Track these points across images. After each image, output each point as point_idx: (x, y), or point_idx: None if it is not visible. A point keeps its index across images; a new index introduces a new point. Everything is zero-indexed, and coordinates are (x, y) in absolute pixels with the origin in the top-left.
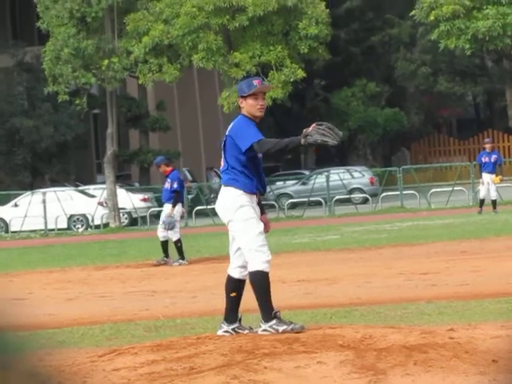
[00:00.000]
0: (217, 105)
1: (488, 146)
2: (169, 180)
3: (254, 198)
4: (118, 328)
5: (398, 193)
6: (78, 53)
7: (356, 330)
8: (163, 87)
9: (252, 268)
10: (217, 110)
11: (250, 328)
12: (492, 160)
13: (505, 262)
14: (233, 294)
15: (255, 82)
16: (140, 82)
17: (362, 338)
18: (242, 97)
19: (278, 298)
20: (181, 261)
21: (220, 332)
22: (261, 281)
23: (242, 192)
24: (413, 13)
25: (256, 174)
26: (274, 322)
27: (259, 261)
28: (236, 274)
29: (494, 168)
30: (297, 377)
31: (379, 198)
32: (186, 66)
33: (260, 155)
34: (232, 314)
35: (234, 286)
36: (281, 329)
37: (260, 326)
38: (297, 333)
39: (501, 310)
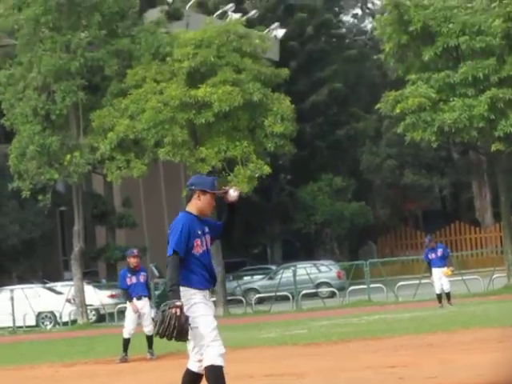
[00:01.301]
0: (182, 198)
1: (431, 244)
2: (143, 273)
3: (207, 293)
4: None
5: (365, 286)
6: (43, 149)
7: None
8: (129, 183)
9: (206, 363)
10: (182, 204)
11: None
12: (439, 254)
13: (473, 354)
14: None
15: (216, 183)
16: (108, 179)
17: None
18: (202, 192)
19: None
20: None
21: None
22: (216, 375)
23: (195, 290)
24: (378, 106)
25: (206, 269)
26: None
27: (212, 355)
28: (195, 367)
29: (443, 262)
30: None
31: (346, 291)
32: (151, 161)
33: (203, 249)
34: None
35: (191, 380)
36: None
37: None
38: None
39: None
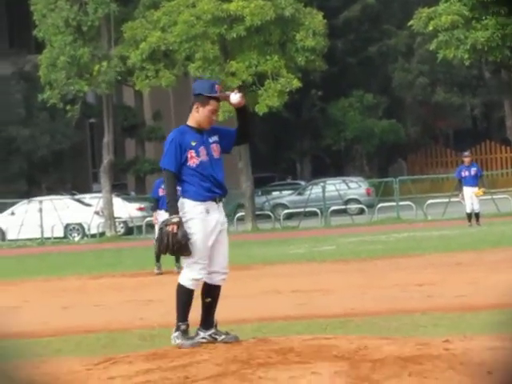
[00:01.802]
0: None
1: (467, 160)
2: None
3: (213, 205)
4: (114, 337)
5: (395, 204)
6: (73, 60)
7: (351, 340)
8: (160, 96)
9: (179, 280)
10: None
11: (227, 333)
12: (472, 173)
13: (501, 273)
14: (207, 300)
15: (217, 87)
16: (137, 88)
17: (357, 348)
18: (201, 103)
19: (272, 308)
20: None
21: (197, 338)
22: (182, 295)
23: (196, 203)
24: (411, 23)
25: (207, 178)
26: (176, 334)
27: (187, 277)
28: (210, 280)
29: (475, 181)
30: None
31: (375, 208)
32: (182, 75)
33: (201, 160)
34: (208, 319)
35: (209, 292)
36: (177, 341)
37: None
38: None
39: (496, 322)
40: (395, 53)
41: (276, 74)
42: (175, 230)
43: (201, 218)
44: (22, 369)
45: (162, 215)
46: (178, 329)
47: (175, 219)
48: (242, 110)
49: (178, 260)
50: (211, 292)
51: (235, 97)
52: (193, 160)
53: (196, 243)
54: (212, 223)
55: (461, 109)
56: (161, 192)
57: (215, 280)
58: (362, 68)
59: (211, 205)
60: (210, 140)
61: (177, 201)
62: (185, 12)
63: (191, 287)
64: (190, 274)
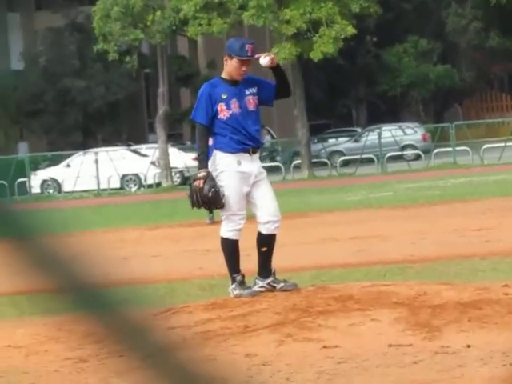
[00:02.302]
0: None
1: None
2: None
3: (246, 157)
4: (173, 287)
5: (451, 149)
6: (127, 10)
7: (410, 287)
8: (214, 45)
9: (221, 234)
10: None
11: (285, 281)
12: None
13: None
14: (263, 249)
15: (248, 47)
16: (189, 34)
17: (416, 295)
18: (229, 55)
19: (330, 255)
20: None
21: (256, 288)
22: (227, 247)
23: (226, 154)
24: None
25: (238, 131)
26: (233, 286)
27: (227, 228)
28: (264, 229)
29: None
30: (351, 334)
31: (432, 154)
32: (236, 23)
33: (231, 112)
34: (265, 268)
35: (264, 241)
36: (235, 292)
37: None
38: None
39: None
40: None
41: (330, 20)
42: (201, 185)
43: (232, 170)
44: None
45: None
46: (233, 280)
47: (202, 173)
48: (275, 70)
49: (210, 211)
50: (266, 241)
51: (264, 60)
52: (223, 113)
53: (230, 195)
54: (245, 174)
55: None
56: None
57: (269, 229)
58: (417, 13)
59: (243, 156)
60: (247, 92)
61: (207, 154)
62: None
63: (234, 237)
64: (230, 226)
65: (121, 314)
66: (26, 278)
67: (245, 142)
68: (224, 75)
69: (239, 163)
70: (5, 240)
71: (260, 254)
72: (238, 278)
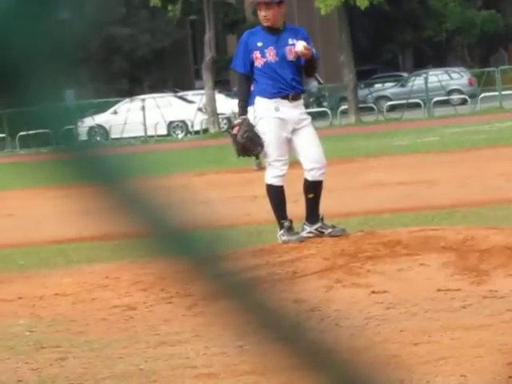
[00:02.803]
0: (313, 8)
1: None
2: None
3: (285, 103)
4: (220, 233)
5: (497, 93)
6: None
7: (458, 231)
8: None
9: (265, 180)
10: (314, 13)
11: (333, 226)
12: None
13: None
14: (310, 196)
15: None
16: None
17: (464, 239)
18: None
19: (378, 201)
20: None
21: (304, 233)
22: (272, 194)
23: (264, 99)
24: None
25: (274, 78)
26: (281, 231)
27: (270, 175)
28: (309, 176)
29: None
30: (400, 279)
31: (478, 98)
32: None
33: (266, 60)
34: (312, 214)
35: (310, 188)
36: (283, 238)
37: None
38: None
39: None
40: None
41: None
42: (235, 132)
43: (270, 116)
44: (127, 270)
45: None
46: (281, 226)
47: (237, 121)
48: (306, 61)
49: (257, 157)
50: (313, 188)
51: (299, 45)
52: (258, 61)
53: (270, 141)
54: (283, 121)
55: None
56: None
57: (314, 176)
58: None
59: (282, 102)
60: (289, 41)
61: (246, 102)
62: None
63: (278, 183)
64: (274, 172)
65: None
66: (110, 223)
67: (282, 87)
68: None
69: (277, 109)
70: (83, 184)
71: (307, 200)
72: (286, 223)
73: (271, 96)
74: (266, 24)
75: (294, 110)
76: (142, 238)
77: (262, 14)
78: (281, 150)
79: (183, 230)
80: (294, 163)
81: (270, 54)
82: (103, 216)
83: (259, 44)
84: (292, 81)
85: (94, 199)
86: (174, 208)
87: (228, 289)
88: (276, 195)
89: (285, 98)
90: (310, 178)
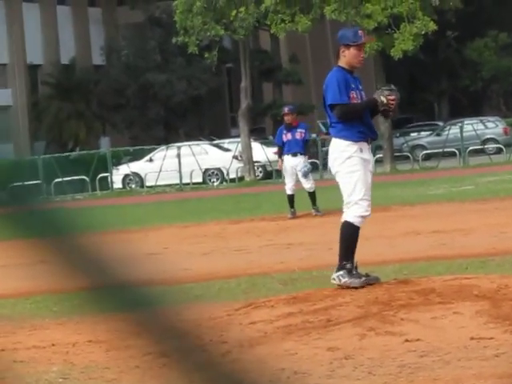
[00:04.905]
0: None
1: None
2: (301, 130)
3: (365, 146)
4: (254, 281)
5: None
6: (209, 5)
7: (491, 280)
8: (295, 40)
9: (345, 218)
10: None
11: (367, 275)
12: None
13: None
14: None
15: (360, 32)
16: (272, 31)
17: (498, 288)
18: (345, 45)
19: (412, 249)
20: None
21: (364, 279)
22: (347, 233)
23: (349, 142)
24: None
25: (361, 121)
26: (341, 273)
27: (354, 214)
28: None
29: None
30: (433, 327)
31: None
32: (318, 18)
33: (357, 100)
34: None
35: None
36: (343, 280)
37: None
38: (368, 284)
39: None
40: None
41: (411, 15)
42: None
43: (358, 157)
44: (164, 315)
45: (287, 160)
46: (342, 267)
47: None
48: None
49: (314, 203)
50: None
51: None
52: (353, 101)
53: (359, 179)
54: (366, 162)
55: None
56: (284, 138)
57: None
58: (497, 7)
59: (363, 145)
60: (360, 86)
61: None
62: None
63: (359, 224)
64: (359, 211)
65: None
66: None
67: (365, 132)
68: (342, 65)
69: (361, 150)
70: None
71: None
72: (348, 265)
73: (357, 139)
74: (359, 65)
75: (370, 154)
76: (91, 291)
77: (361, 55)
78: (368, 189)
79: (129, 284)
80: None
81: (358, 96)
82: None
83: (353, 85)
84: (371, 126)
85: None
86: (121, 263)
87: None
88: (352, 235)
89: (365, 141)
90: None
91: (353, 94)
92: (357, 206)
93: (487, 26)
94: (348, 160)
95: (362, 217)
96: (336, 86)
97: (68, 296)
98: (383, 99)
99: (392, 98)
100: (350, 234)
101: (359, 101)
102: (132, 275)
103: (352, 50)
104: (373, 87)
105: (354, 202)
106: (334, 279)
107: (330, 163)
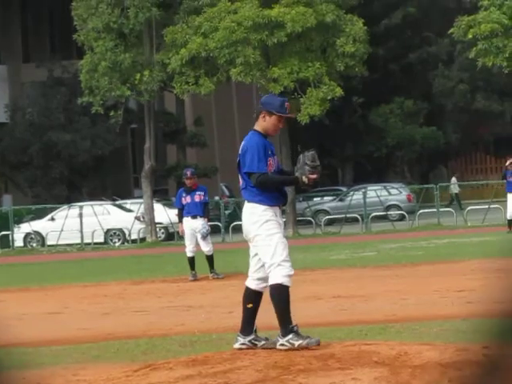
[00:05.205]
0: (254, 119)
1: (510, 167)
2: (200, 193)
3: (278, 210)
4: (154, 343)
5: (435, 210)
6: (115, 66)
7: (391, 346)
8: (201, 102)
9: (273, 281)
10: (254, 125)
11: (266, 339)
12: None
13: None
14: (249, 306)
15: (287, 105)
16: (175, 92)
17: (397, 354)
18: (268, 112)
19: (313, 314)
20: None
21: (237, 345)
22: (281, 294)
23: (266, 207)
24: (451, 31)
25: (276, 187)
26: (291, 336)
27: (281, 274)
28: (253, 285)
29: None
30: None
31: (416, 214)
32: (223, 81)
33: (273, 168)
34: (248, 325)
35: (251, 298)
36: (297, 343)
37: (278, 341)
38: (316, 346)
39: None
40: (436, 60)
41: (318, 80)
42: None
43: (275, 220)
44: (60, 376)
45: (187, 223)
46: (289, 331)
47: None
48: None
49: (212, 267)
50: (254, 298)
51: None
52: (270, 167)
53: (279, 242)
54: (280, 225)
55: (501, 116)
56: (183, 201)
57: (260, 286)
58: (403, 74)
59: (277, 209)
60: (274, 151)
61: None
62: (226, 18)
63: (288, 284)
64: (284, 271)
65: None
66: None
67: (279, 197)
68: (259, 130)
69: (276, 215)
70: None
71: (246, 310)
72: (295, 327)
73: (272, 204)
74: (273, 134)
75: (281, 217)
76: None
77: (279, 126)
78: (287, 250)
79: None
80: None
81: (274, 162)
82: None
83: (269, 151)
84: (284, 192)
85: None
86: None
87: None
88: (286, 296)
89: (278, 206)
90: (254, 287)
91: (270, 161)
92: (280, 267)
93: (393, 92)
94: (265, 224)
95: (289, 276)
96: (256, 153)
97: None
98: (305, 180)
99: (314, 177)
100: (283, 295)
101: (275, 167)
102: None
103: (273, 119)
104: (278, 150)
105: (277, 263)
106: (283, 345)
107: (247, 227)
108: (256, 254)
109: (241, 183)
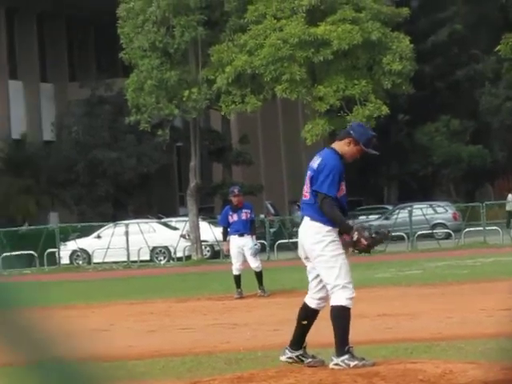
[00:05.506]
0: (300, 137)
1: None
2: (246, 211)
3: (337, 232)
4: (199, 360)
5: (481, 228)
6: (161, 84)
7: (436, 365)
8: (247, 120)
9: (336, 302)
10: (299, 143)
11: (313, 356)
12: None
13: None
14: (304, 322)
15: (374, 141)
16: (222, 112)
17: (443, 373)
18: (355, 140)
19: (358, 333)
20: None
21: (283, 358)
22: (343, 316)
23: (330, 227)
24: (498, 48)
25: (340, 210)
26: (347, 356)
27: (344, 297)
28: (314, 304)
29: None
30: None
31: (462, 233)
32: (269, 98)
33: (343, 192)
34: (299, 341)
35: (308, 315)
36: (352, 364)
37: (332, 360)
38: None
39: None
40: (482, 77)
41: (364, 98)
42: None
43: (339, 242)
44: None
45: (234, 241)
46: (346, 351)
47: (356, 233)
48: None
49: (261, 283)
50: (311, 315)
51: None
52: (340, 192)
53: (343, 264)
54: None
55: None
56: (230, 219)
57: (320, 306)
58: (450, 92)
59: (337, 232)
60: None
61: (346, 221)
62: (272, 35)
63: (351, 306)
64: (348, 294)
65: None
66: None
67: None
68: (339, 151)
69: (339, 236)
70: None
71: (299, 325)
72: (351, 348)
73: (334, 226)
74: (349, 161)
75: None
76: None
77: (357, 155)
78: (350, 272)
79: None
80: (273, 293)
81: (344, 187)
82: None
83: (343, 175)
84: (347, 213)
85: None
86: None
87: None
88: (347, 318)
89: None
90: (313, 306)
91: (342, 186)
92: (345, 289)
93: (439, 111)
94: (330, 244)
95: (351, 299)
96: (331, 175)
97: (11, 370)
98: (356, 237)
99: (365, 243)
100: (345, 317)
101: (344, 191)
102: (73, 351)
103: (356, 148)
104: None
105: (342, 285)
106: (337, 364)
107: (310, 246)
108: (317, 275)
109: (307, 197)
